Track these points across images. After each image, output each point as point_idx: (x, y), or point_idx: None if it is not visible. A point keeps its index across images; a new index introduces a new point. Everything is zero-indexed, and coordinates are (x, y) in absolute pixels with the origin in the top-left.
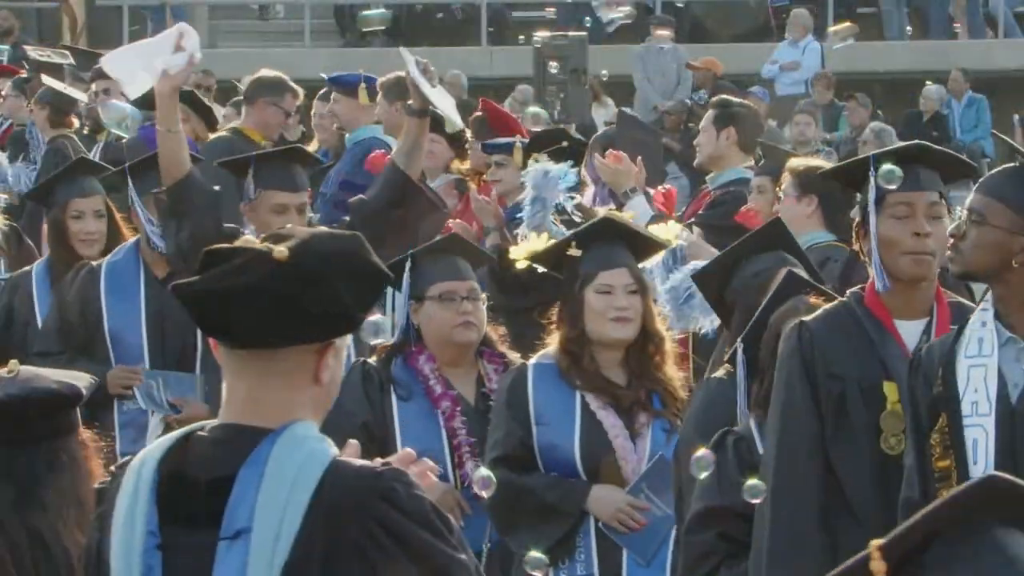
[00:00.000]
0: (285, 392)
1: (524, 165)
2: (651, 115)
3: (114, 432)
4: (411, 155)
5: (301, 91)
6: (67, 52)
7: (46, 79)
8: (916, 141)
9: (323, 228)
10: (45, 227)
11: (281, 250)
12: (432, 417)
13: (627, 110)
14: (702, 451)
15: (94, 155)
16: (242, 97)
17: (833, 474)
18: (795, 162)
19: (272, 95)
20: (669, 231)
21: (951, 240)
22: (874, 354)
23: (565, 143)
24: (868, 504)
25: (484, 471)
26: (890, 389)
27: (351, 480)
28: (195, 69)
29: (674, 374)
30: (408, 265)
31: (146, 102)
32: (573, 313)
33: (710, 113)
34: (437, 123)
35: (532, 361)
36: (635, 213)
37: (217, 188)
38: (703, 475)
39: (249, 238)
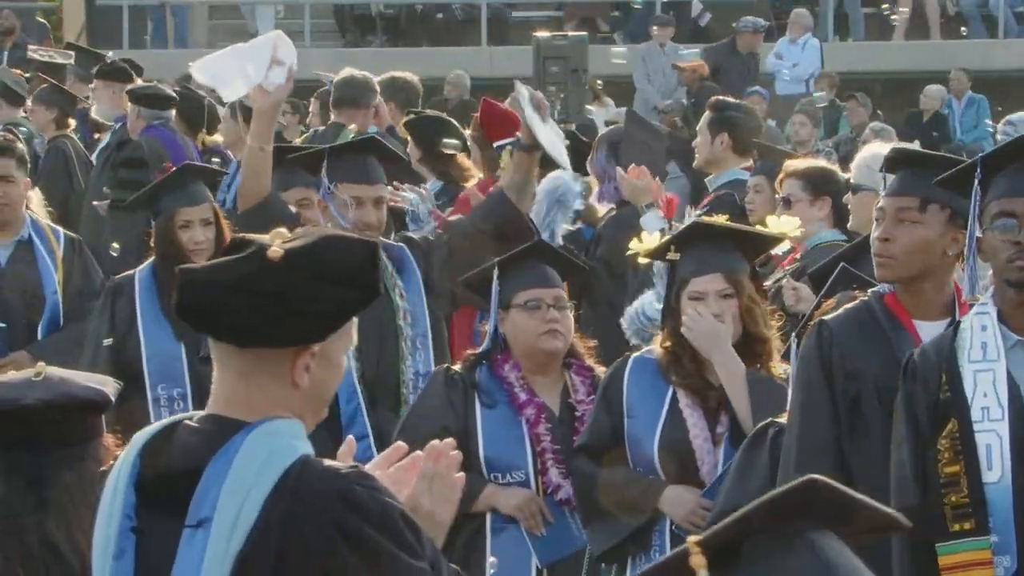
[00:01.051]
0: (263, 390)
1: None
2: (651, 115)
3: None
4: (522, 190)
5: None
6: (71, 52)
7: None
8: (895, 146)
9: (340, 233)
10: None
11: (276, 250)
12: (516, 424)
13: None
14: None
15: (94, 156)
16: (379, 97)
17: (848, 472)
18: (798, 164)
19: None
20: (786, 225)
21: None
22: (891, 354)
23: (568, 143)
24: (883, 501)
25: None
26: None
27: (313, 478)
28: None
29: (779, 373)
30: (496, 273)
31: (148, 100)
32: (671, 318)
33: (706, 116)
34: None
35: (634, 354)
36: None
37: (295, 211)
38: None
39: (281, 231)
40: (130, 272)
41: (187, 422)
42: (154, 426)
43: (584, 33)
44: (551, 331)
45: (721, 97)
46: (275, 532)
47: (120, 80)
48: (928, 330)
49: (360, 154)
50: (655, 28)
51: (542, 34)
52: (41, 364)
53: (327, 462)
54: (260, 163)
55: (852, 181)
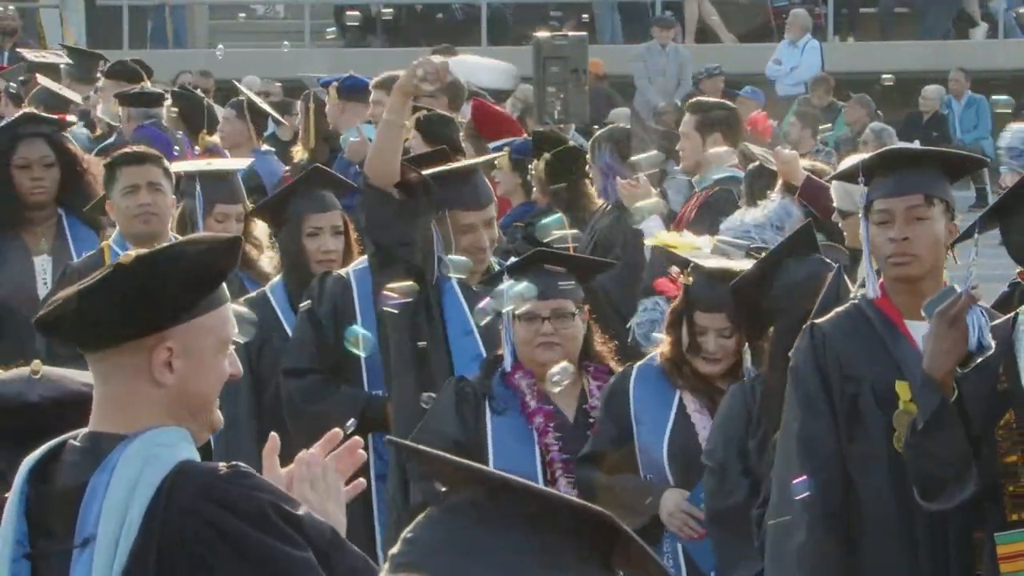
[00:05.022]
0: (127, 396)
1: (515, 169)
2: (651, 115)
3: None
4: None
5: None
6: (63, 52)
7: (42, 79)
8: (893, 146)
9: (209, 235)
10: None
11: (129, 254)
12: (526, 432)
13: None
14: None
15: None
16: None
17: (847, 474)
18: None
19: None
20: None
21: None
22: (886, 354)
23: (577, 145)
24: (883, 502)
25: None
26: (902, 388)
27: (188, 484)
28: (194, 70)
29: None
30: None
31: (136, 99)
32: (675, 327)
33: (692, 119)
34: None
35: (638, 363)
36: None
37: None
38: None
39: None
40: (263, 288)
41: (71, 441)
42: (40, 449)
43: (584, 33)
44: (545, 343)
45: (700, 98)
46: (155, 545)
47: (129, 80)
48: (920, 330)
49: (467, 178)
50: (655, 28)
51: (542, 34)
52: (36, 363)
53: (204, 466)
54: (397, 139)
55: (836, 205)
